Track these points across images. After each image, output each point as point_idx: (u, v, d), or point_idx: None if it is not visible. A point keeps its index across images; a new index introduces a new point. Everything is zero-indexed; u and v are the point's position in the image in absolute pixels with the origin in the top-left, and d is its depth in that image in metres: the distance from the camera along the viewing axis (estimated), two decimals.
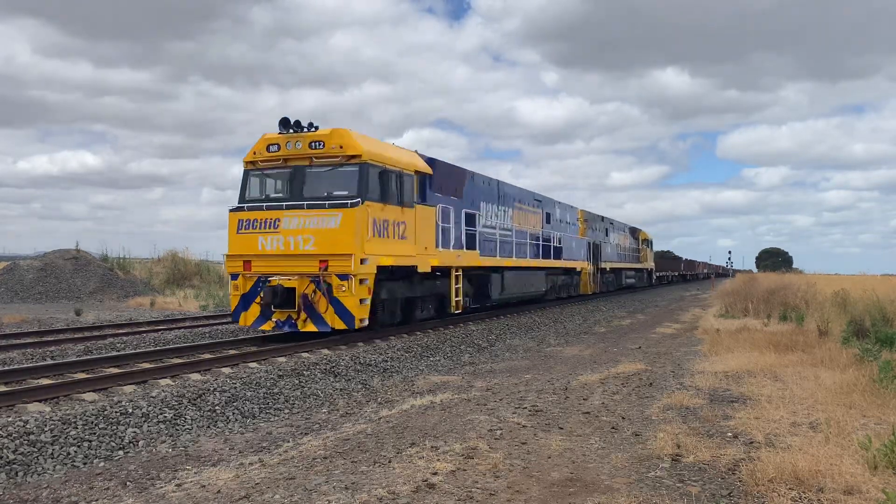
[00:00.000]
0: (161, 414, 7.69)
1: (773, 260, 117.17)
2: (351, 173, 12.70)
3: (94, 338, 14.00)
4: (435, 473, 5.09)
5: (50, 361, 10.68)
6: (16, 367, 9.96)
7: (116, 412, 7.43)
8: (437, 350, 13.80)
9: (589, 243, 31.19)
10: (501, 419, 7.01)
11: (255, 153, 13.40)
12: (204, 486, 5.20)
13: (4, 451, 6.19)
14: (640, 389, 8.71)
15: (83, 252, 32.40)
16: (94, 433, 6.92)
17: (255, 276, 12.72)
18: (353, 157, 12.71)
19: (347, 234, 12.18)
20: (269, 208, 12.74)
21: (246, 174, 13.57)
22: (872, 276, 30.09)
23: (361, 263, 12.22)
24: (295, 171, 12.97)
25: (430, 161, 16.03)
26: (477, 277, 18.67)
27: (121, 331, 15.51)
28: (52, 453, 6.41)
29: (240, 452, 6.60)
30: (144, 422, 7.43)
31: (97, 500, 5.36)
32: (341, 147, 12.74)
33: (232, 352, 11.85)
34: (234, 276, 13.00)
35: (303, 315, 12.27)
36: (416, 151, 15.73)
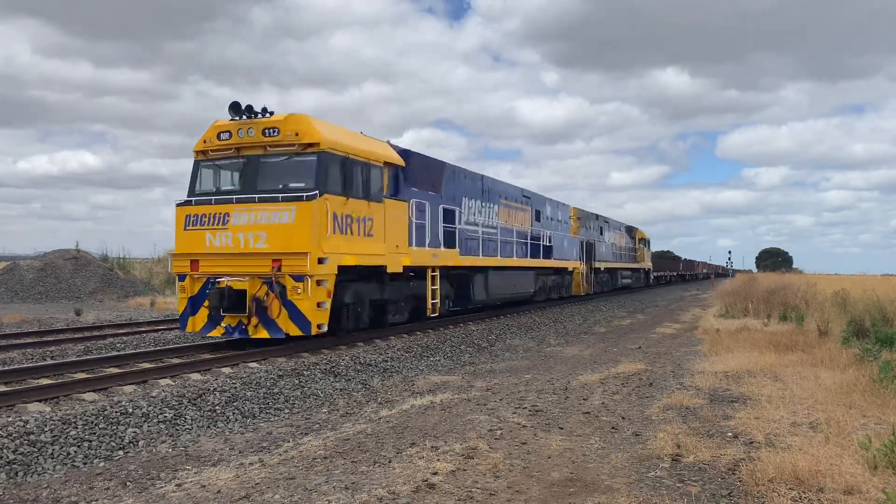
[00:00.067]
0: (161, 414, 7.69)
1: (773, 260, 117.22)
2: (308, 163, 11.58)
3: (94, 338, 14.01)
4: (435, 473, 5.09)
5: (50, 361, 10.68)
6: (16, 367, 9.96)
7: (116, 412, 7.43)
8: (437, 350, 13.80)
9: (582, 242, 30.28)
10: (501, 419, 7.01)
11: (205, 142, 12.29)
12: (204, 486, 5.20)
13: (4, 451, 6.19)
14: (640, 389, 8.71)
15: (83, 252, 32.42)
16: (94, 433, 6.92)
17: (203, 276, 11.67)
18: (311, 144, 11.57)
19: (303, 230, 11.06)
20: (217, 202, 11.67)
21: (196, 165, 12.50)
22: (872, 276, 30.12)
23: (319, 263, 11.15)
24: (248, 161, 11.89)
25: (405, 153, 14.93)
26: (458, 278, 17.65)
27: (121, 331, 15.52)
28: (52, 453, 6.41)
29: (240, 452, 6.60)
30: (144, 422, 7.43)
31: (97, 500, 5.36)
32: (297, 134, 11.59)
33: (232, 352, 11.84)
34: (182, 277, 11.95)
35: (254, 320, 11.18)
36: (388, 142, 14.61)
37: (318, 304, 11.27)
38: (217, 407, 8.30)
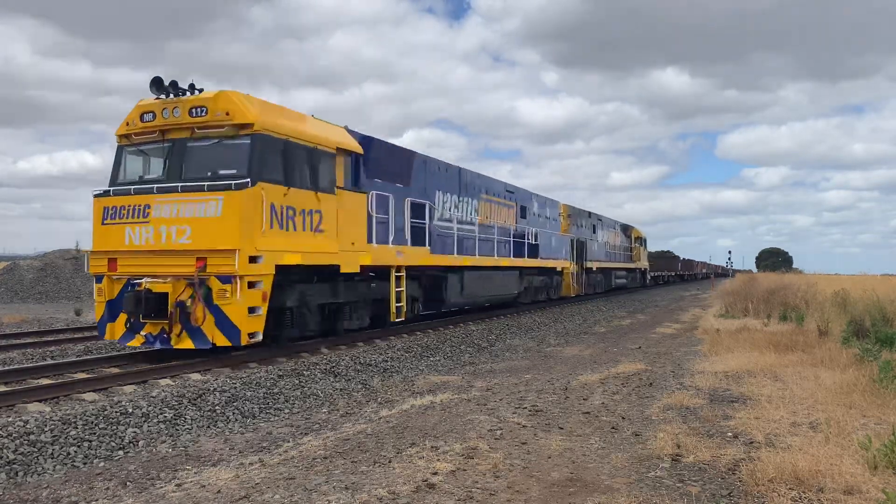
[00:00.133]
0: (161, 414, 7.69)
1: (773, 260, 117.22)
2: (241, 147, 10.21)
3: (94, 338, 14.00)
4: (435, 473, 5.09)
5: (50, 361, 10.67)
6: (16, 367, 9.96)
7: (116, 412, 7.43)
8: (437, 350, 13.80)
9: (572, 240, 28.91)
10: (501, 419, 7.01)
11: (128, 124, 10.90)
12: (204, 486, 5.20)
13: (4, 451, 6.19)
14: (640, 389, 8.71)
15: (83, 252, 32.41)
16: (94, 433, 6.91)
17: (123, 277, 10.41)
18: (244, 126, 10.21)
19: (231, 223, 9.74)
20: (137, 192, 10.36)
21: (119, 151, 11.14)
22: (872, 276, 30.11)
23: (251, 262, 9.87)
24: (173, 145, 10.53)
25: (366, 140, 13.59)
26: (429, 279, 16.26)
27: None
28: (52, 453, 6.41)
29: (240, 452, 6.60)
30: (144, 422, 7.43)
31: (97, 500, 5.36)
32: (228, 114, 10.21)
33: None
34: (99, 279, 10.62)
35: (177, 328, 9.89)
36: (345, 127, 13.13)
37: (251, 310, 9.92)
38: (217, 407, 8.30)
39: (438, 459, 5.44)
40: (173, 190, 10.11)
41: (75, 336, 14.52)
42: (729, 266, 70.21)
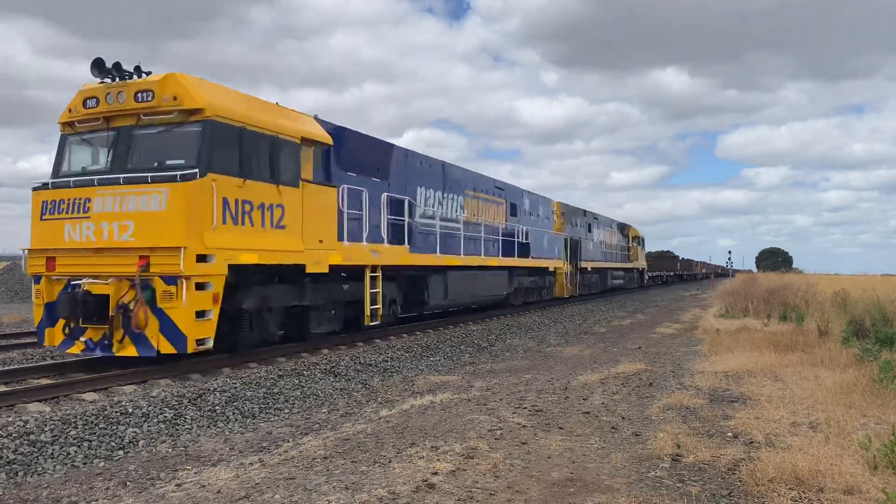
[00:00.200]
0: (161, 414, 7.69)
1: (773, 260, 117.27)
2: (190, 134, 9.41)
3: None
4: (435, 473, 5.09)
5: (50, 361, 10.67)
6: (16, 366, 9.96)
7: (116, 412, 7.43)
8: (437, 350, 13.80)
9: (566, 239, 27.99)
10: (501, 419, 7.01)
11: (70, 111, 10.10)
12: (204, 486, 5.20)
13: (4, 451, 6.19)
14: (640, 389, 8.71)
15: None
16: (94, 433, 6.91)
17: (63, 278, 9.66)
18: (194, 111, 9.38)
19: (176, 219, 8.97)
20: (77, 185, 9.55)
21: (62, 140, 10.34)
22: (873, 276, 30.10)
23: (200, 261, 9.09)
24: (118, 133, 9.70)
25: (338, 130, 12.74)
26: (409, 279, 15.41)
27: None
28: (52, 453, 6.41)
29: (240, 452, 6.60)
30: (144, 422, 7.43)
31: (97, 499, 5.36)
32: (176, 98, 9.39)
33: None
34: (37, 279, 9.86)
35: (118, 333, 9.11)
36: (315, 116, 12.29)
37: (199, 314, 9.13)
38: (217, 407, 8.30)
39: (438, 459, 5.45)
40: (115, 182, 9.30)
41: None
42: (729, 266, 70.25)
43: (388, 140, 15.27)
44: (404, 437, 6.38)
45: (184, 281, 8.92)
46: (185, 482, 5.44)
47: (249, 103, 10.59)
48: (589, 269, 31.57)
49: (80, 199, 9.48)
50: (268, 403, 8.86)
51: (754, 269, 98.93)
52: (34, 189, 10.02)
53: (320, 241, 11.51)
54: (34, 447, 6.39)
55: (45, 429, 6.69)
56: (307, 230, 11.16)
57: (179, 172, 9.10)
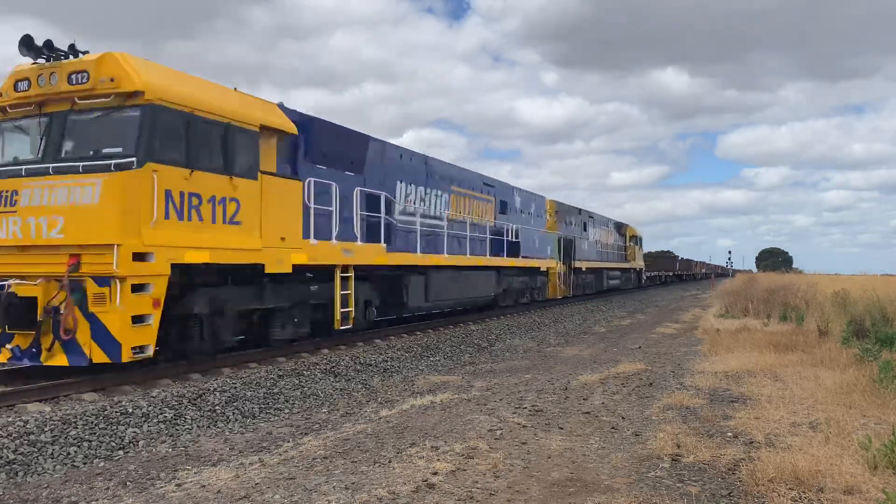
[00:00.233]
0: (161, 414, 7.68)
1: (773, 260, 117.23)
2: (129, 120, 8.51)
3: None
4: (435, 473, 5.10)
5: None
6: (16, 366, 9.94)
7: (116, 412, 7.43)
8: (437, 350, 13.80)
9: (559, 239, 27.03)
10: (501, 419, 7.01)
11: (1, 95, 9.25)
12: (204, 486, 5.20)
13: (4, 451, 6.19)
14: (640, 389, 8.72)
15: None
16: (94, 433, 6.91)
17: None
18: (134, 94, 8.49)
19: (111, 213, 8.13)
20: (4, 176, 8.77)
21: None
22: (873, 276, 30.08)
23: (138, 260, 8.24)
24: (51, 119, 8.86)
25: (306, 120, 11.96)
26: (386, 280, 14.43)
27: None
28: (52, 453, 6.41)
29: (240, 452, 6.60)
30: (144, 422, 7.43)
31: (97, 499, 5.36)
32: (113, 80, 8.49)
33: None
34: None
35: (47, 340, 8.22)
36: (279, 104, 11.41)
37: (136, 319, 8.27)
38: (217, 407, 8.30)
39: (438, 459, 5.45)
40: (44, 173, 8.50)
41: None
42: (729, 266, 70.27)
43: (361, 131, 14.18)
44: (404, 437, 6.38)
45: (118, 282, 8.06)
46: (185, 482, 5.44)
47: (199, 87, 9.65)
48: (584, 269, 30.71)
49: (6, 191, 8.67)
50: (268, 403, 8.86)
51: (754, 269, 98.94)
52: None
53: (282, 239, 10.64)
54: (34, 447, 6.39)
55: (45, 429, 6.69)
56: (267, 226, 10.26)
57: (114, 161, 8.26)
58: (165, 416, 7.66)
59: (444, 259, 16.69)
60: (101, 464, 6.38)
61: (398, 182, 15.12)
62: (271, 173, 10.52)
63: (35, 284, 8.35)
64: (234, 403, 8.53)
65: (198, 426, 7.70)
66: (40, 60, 8.98)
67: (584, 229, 31.68)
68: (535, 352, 14.42)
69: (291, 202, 10.93)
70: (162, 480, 5.75)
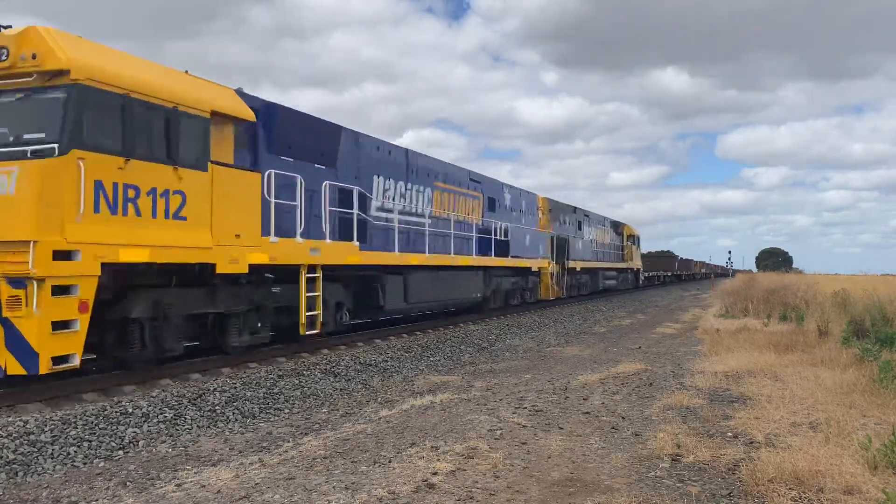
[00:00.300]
0: (161, 414, 7.69)
1: (773, 260, 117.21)
2: (53, 102, 7.66)
3: None
4: (435, 473, 5.09)
5: None
6: None
7: (116, 412, 7.43)
8: (436, 350, 13.80)
9: (552, 238, 26.21)
10: (501, 419, 7.01)
11: None
12: (204, 485, 5.20)
13: (4, 450, 6.19)
14: (640, 389, 8.72)
15: None
16: (94, 433, 6.91)
17: None
18: (58, 73, 7.64)
19: (27, 205, 7.29)
20: None
21: None
22: (873, 276, 30.07)
23: (60, 258, 7.40)
24: None
25: (268, 107, 11.13)
26: (362, 281, 13.54)
27: None
28: (52, 453, 6.41)
29: (240, 452, 6.60)
30: (144, 422, 7.43)
31: (97, 499, 5.36)
32: (36, 57, 7.66)
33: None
34: None
35: None
36: (238, 90, 10.51)
37: (58, 325, 7.40)
38: (217, 407, 8.30)
39: (438, 459, 5.45)
40: None
41: None
42: (729, 266, 70.24)
43: (334, 122, 13.24)
44: (404, 437, 6.38)
45: (35, 284, 7.16)
46: (185, 482, 5.45)
47: (139, 67, 8.74)
48: (578, 269, 29.81)
49: None
50: (268, 403, 8.86)
51: (754, 269, 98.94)
52: None
53: (237, 236, 9.71)
54: (34, 447, 6.39)
55: (45, 429, 6.69)
56: (219, 222, 9.35)
57: (32, 148, 7.45)
58: (165, 416, 7.66)
59: (425, 259, 15.75)
60: (101, 464, 6.38)
61: (375, 176, 14.33)
62: (225, 164, 9.68)
63: None
64: (234, 403, 8.54)
65: (198, 426, 7.71)
66: None
67: (579, 228, 31.05)
68: (535, 352, 14.42)
69: (248, 196, 10.01)
70: (162, 480, 5.75)
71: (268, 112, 11.05)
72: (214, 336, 10.32)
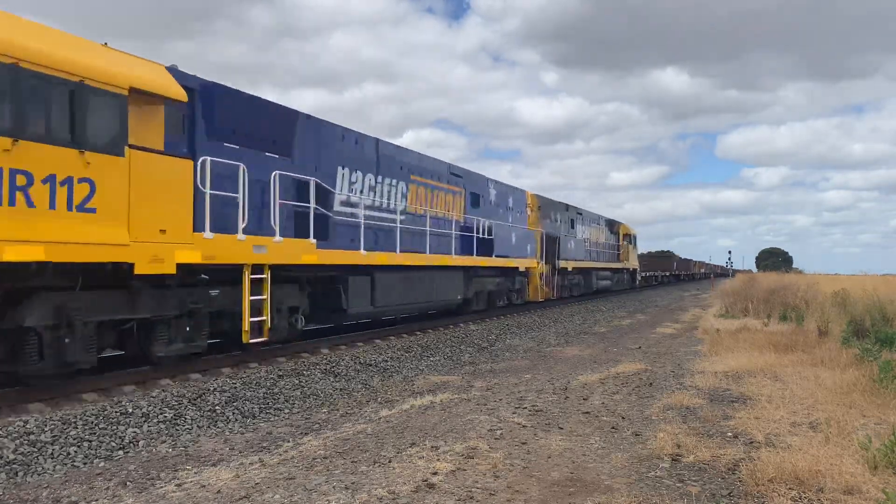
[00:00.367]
0: (161, 414, 7.69)
1: (773, 260, 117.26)
2: None
3: None
4: (435, 473, 5.09)
5: None
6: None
7: (116, 412, 7.43)
8: (436, 350, 13.80)
9: (542, 236, 25.10)
10: (501, 419, 7.01)
11: None
12: (204, 486, 5.20)
13: (4, 451, 6.19)
14: (640, 389, 8.72)
15: None
16: (94, 433, 6.92)
17: None
18: None
19: None
20: None
21: None
22: (873, 276, 30.08)
23: None
24: None
25: (207, 87, 9.91)
26: (320, 282, 12.35)
27: None
28: (52, 453, 6.41)
29: (240, 452, 6.60)
30: (144, 422, 7.43)
31: (97, 499, 5.36)
32: None
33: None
34: None
35: None
36: (171, 66, 9.32)
37: None
38: (217, 407, 8.30)
39: (438, 459, 5.45)
40: None
41: None
42: (729, 266, 70.19)
43: (290, 106, 12.06)
44: (404, 437, 6.38)
45: None
46: (185, 482, 5.45)
47: (35, 33, 7.38)
48: (570, 269, 28.68)
49: None
50: (268, 403, 8.86)
51: (754, 269, 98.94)
52: None
53: (162, 232, 8.51)
54: (34, 447, 6.40)
55: (45, 429, 6.70)
56: (138, 216, 8.14)
57: None
58: (165, 416, 7.66)
59: (395, 258, 14.44)
60: (102, 464, 6.38)
61: (340, 168, 13.11)
62: (149, 149, 8.45)
63: None
64: (234, 403, 8.54)
65: (198, 426, 7.71)
66: None
67: (572, 226, 30.01)
68: (535, 352, 14.42)
69: (177, 186, 8.79)
70: (162, 480, 5.75)
71: (207, 93, 9.87)
72: (137, 344, 9.19)
